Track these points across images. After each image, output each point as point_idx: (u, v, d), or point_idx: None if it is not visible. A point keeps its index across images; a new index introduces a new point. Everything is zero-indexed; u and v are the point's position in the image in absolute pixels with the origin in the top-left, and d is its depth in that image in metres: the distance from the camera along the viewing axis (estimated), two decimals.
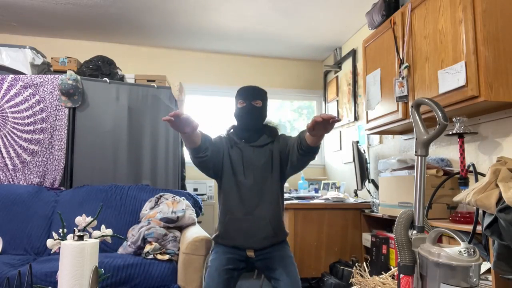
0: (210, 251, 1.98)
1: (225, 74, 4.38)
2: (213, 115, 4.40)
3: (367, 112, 2.75)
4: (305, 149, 1.67)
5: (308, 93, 4.60)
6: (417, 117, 1.06)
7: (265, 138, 1.92)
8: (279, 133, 1.98)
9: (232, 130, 1.98)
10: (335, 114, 1.34)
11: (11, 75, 2.94)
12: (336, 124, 4.09)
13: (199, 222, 2.70)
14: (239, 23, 3.61)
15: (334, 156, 4.19)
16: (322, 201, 2.94)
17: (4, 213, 2.56)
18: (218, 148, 1.88)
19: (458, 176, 1.92)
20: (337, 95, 4.12)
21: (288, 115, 4.66)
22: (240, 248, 1.84)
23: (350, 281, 1.63)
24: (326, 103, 4.43)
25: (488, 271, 1.49)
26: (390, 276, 1.52)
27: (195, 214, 2.61)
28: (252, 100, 1.89)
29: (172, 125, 1.51)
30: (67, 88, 2.88)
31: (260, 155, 1.88)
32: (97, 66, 3.18)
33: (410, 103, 2.20)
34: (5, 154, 2.86)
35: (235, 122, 1.98)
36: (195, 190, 3.88)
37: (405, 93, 2.26)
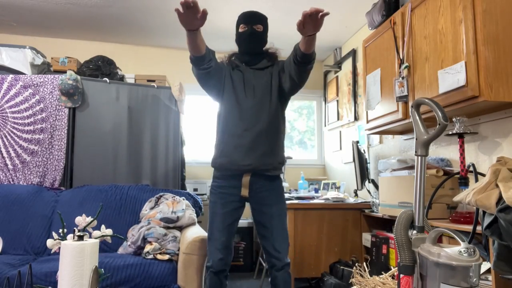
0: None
1: None
2: (213, 115, 4.40)
3: (367, 112, 2.75)
4: (300, 58, 1.72)
5: (308, 93, 4.59)
6: (417, 117, 1.06)
7: (266, 62, 1.98)
8: (279, 58, 2.03)
9: (233, 57, 2.03)
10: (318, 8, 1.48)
11: (11, 75, 2.94)
12: (336, 124, 4.08)
13: (199, 222, 2.70)
14: (235, 22, 3.60)
15: (334, 156, 4.19)
16: (322, 201, 2.94)
17: (4, 213, 2.56)
18: (220, 67, 1.93)
19: (458, 176, 1.92)
20: (337, 95, 4.12)
21: (288, 115, 4.66)
22: (237, 173, 1.87)
23: (350, 281, 1.63)
24: (326, 103, 4.43)
25: (488, 271, 1.49)
26: (390, 276, 1.52)
27: (195, 214, 2.61)
28: (254, 24, 1.94)
29: (181, 17, 1.54)
30: (67, 88, 2.88)
31: (261, 77, 1.93)
32: (97, 66, 3.18)
33: (410, 103, 2.20)
34: (5, 154, 2.86)
35: (236, 49, 2.04)
36: (195, 190, 3.88)
37: (405, 93, 2.26)
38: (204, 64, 1.79)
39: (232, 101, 1.90)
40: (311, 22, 1.52)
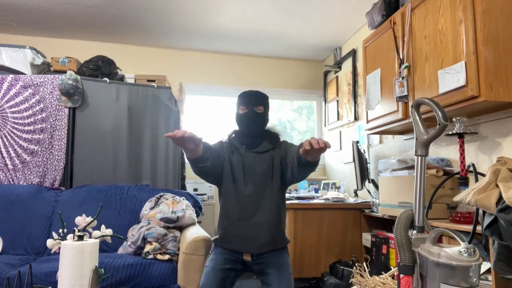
0: (210, 252, 1.98)
1: (225, 74, 4.38)
2: (213, 115, 4.40)
3: (367, 112, 2.75)
4: (304, 163, 1.66)
5: (308, 93, 4.60)
6: (417, 117, 1.06)
7: (267, 144, 1.91)
8: (281, 139, 1.97)
9: (233, 135, 1.97)
10: (327, 142, 1.36)
11: (11, 75, 2.94)
12: (336, 124, 4.09)
13: (199, 222, 2.70)
14: (239, 23, 3.61)
15: (334, 156, 4.19)
16: (322, 201, 2.94)
17: (4, 213, 2.56)
18: (218, 155, 1.86)
19: (458, 176, 1.92)
20: (337, 95, 4.12)
21: (288, 115, 4.66)
22: (238, 252, 1.84)
23: (350, 281, 1.63)
24: (326, 103, 4.43)
25: (488, 271, 1.49)
26: (390, 276, 1.52)
27: (195, 214, 2.61)
28: (254, 106, 1.87)
29: (174, 142, 1.51)
30: (67, 88, 2.88)
31: (261, 162, 1.87)
32: (97, 66, 3.18)
33: (410, 103, 2.20)
34: (5, 154, 2.86)
35: (236, 127, 1.96)
36: (195, 190, 3.87)
37: (405, 93, 2.26)
38: (200, 163, 1.73)
39: (230, 189, 1.86)
40: (315, 151, 1.48)
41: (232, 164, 1.87)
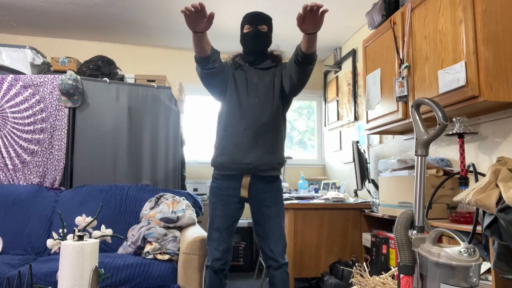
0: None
1: None
2: (213, 115, 4.40)
3: (367, 112, 2.75)
4: (301, 58, 1.73)
5: (308, 93, 4.59)
6: (417, 117, 1.06)
7: (269, 63, 1.98)
8: (284, 60, 2.03)
9: (237, 57, 2.04)
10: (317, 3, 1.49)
11: (11, 75, 2.94)
12: (336, 124, 4.08)
13: (199, 222, 2.70)
14: (239, 23, 3.60)
15: (334, 156, 4.19)
16: (322, 201, 2.94)
17: (4, 213, 2.56)
18: (224, 67, 1.93)
19: (458, 176, 1.92)
20: (337, 95, 4.12)
21: (288, 115, 4.66)
22: (237, 173, 1.87)
23: (350, 281, 1.63)
24: (326, 103, 4.43)
25: (488, 271, 1.49)
26: (390, 276, 1.52)
27: (195, 214, 2.61)
28: (258, 25, 1.95)
29: (188, 18, 1.55)
30: (67, 88, 2.88)
31: (263, 77, 1.94)
32: (97, 66, 3.18)
33: (410, 103, 2.20)
34: (5, 154, 2.86)
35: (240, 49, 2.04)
36: (195, 190, 3.88)
37: (405, 93, 2.26)
38: (208, 64, 1.80)
39: (234, 100, 1.91)
40: (311, 18, 1.53)
41: (236, 78, 1.94)
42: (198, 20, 1.58)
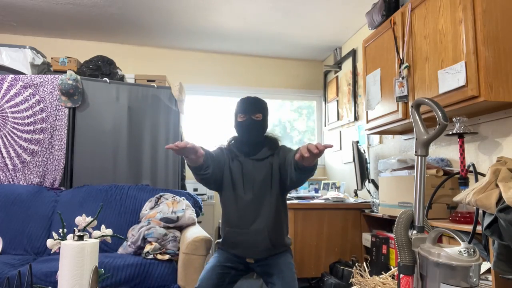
0: (211, 253, 1.99)
1: (225, 74, 4.38)
2: (213, 115, 4.40)
3: (367, 112, 2.75)
4: (301, 168, 1.66)
5: (308, 93, 4.60)
6: (417, 117, 1.06)
7: (266, 151, 1.90)
8: (280, 145, 1.97)
9: (233, 142, 1.97)
10: (327, 144, 1.35)
11: (11, 75, 2.94)
12: (336, 124, 4.09)
13: (199, 222, 2.70)
14: (239, 23, 3.61)
15: (334, 156, 4.19)
16: (322, 201, 2.94)
17: (4, 213, 2.56)
18: (219, 162, 1.86)
19: (458, 176, 1.92)
20: (337, 95, 4.12)
21: (288, 115, 4.66)
22: (240, 256, 1.86)
23: (350, 281, 1.63)
24: (326, 103, 4.43)
25: (488, 271, 1.49)
26: (390, 276, 1.52)
27: (195, 214, 2.61)
28: (253, 114, 1.85)
29: (176, 152, 1.51)
30: (67, 88, 2.88)
31: (260, 169, 1.86)
32: (97, 66, 3.18)
33: (410, 103, 2.20)
34: (5, 154, 2.86)
35: (235, 133, 1.96)
36: (195, 190, 3.87)
37: (405, 93, 2.26)
38: (201, 171, 1.73)
39: (230, 196, 1.86)
40: (311, 156, 1.47)
41: (232, 171, 1.87)
42: (188, 153, 1.55)
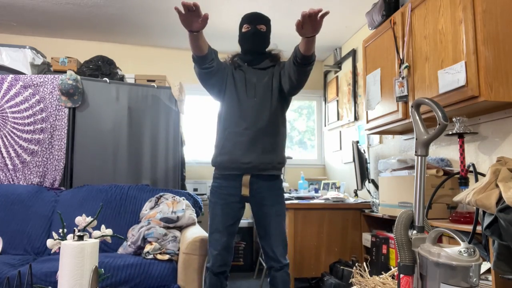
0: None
1: None
2: (213, 115, 4.40)
3: (367, 112, 2.75)
4: (299, 60, 1.73)
5: (308, 93, 4.59)
6: (417, 117, 1.06)
7: (268, 62, 1.99)
8: (282, 59, 2.04)
9: (236, 57, 2.04)
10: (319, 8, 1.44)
11: (11, 75, 2.94)
12: (336, 124, 4.08)
13: (199, 222, 2.70)
14: (239, 23, 3.60)
15: (334, 156, 4.19)
16: (322, 201, 2.94)
17: (4, 213, 2.56)
18: (222, 66, 1.94)
19: (458, 176, 1.92)
20: (337, 95, 4.12)
21: (288, 115, 4.66)
22: (237, 173, 1.87)
23: (350, 281, 1.63)
24: (326, 103, 4.43)
25: (488, 271, 1.49)
26: (390, 276, 1.52)
27: (195, 214, 2.61)
28: (257, 24, 1.96)
29: (182, 17, 1.56)
30: (67, 88, 2.88)
31: (262, 76, 1.95)
32: (97, 66, 3.18)
33: (410, 103, 2.20)
34: (5, 154, 2.86)
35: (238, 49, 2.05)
36: (195, 190, 3.88)
37: (405, 93, 2.26)
38: (206, 64, 1.80)
39: (233, 99, 1.92)
40: (310, 23, 1.53)
41: (235, 78, 1.95)
42: (193, 19, 1.59)
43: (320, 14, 1.49)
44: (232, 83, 1.94)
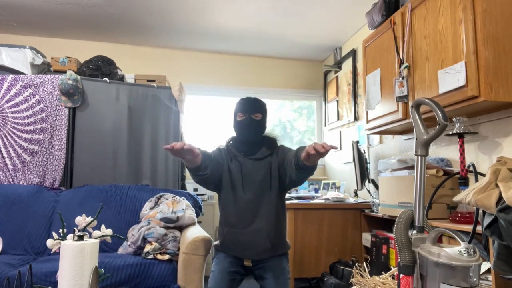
0: (212, 258, 2.00)
1: (225, 74, 4.38)
2: (213, 115, 4.40)
3: (367, 112, 2.75)
4: (302, 167, 1.66)
5: (308, 93, 4.60)
6: (417, 117, 1.06)
7: (264, 151, 1.90)
8: (279, 143, 1.97)
9: (231, 142, 1.97)
10: (333, 144, 1.36)
11: (11, 75, 2.94)
12: (336, 124, 4.09)
13: (199, 222, 2.70)
14: (239, 23, 3.61)
15: (334, 156, 4.19)
16: (322, 201, 2.94)
17: (4, 213, 2.56)
18: (218, 163, 1.86)
19: (458, 176, 1.92)
20: (337, 95, 4.12)
21: (288, 115, 4.66)
22: (238, 258, 1.86)
23: (350, 281, 1.63)
24: (326, 103, 4.43)
25: (488, 271, 1.49)
26: (390, 276, 1.52)
27: (195, 214, 2.61)
28: (252, 113, 1.86)
29: (172, 153, 1.51)
30: (67, 88, 2.88)
31: (259, 169, 1.87)
32: (97, 66, 3.18)
33: (410, 103, 2.20)
34: (5, 154, 2.86)
35: (234, 134, 1.97)
36: (195, 190, 3.87)
37: (405, 93, 2.26)
38: (200, 172, 1.73)
39: (229, 196, 1.86)
40: (317, 155, 1.48)
41: (231, 171, 1.88)
42: (184, 155, 1.55)
43: (329, 148, 1.44)
44: (228, 178, 1.86)
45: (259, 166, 1.87)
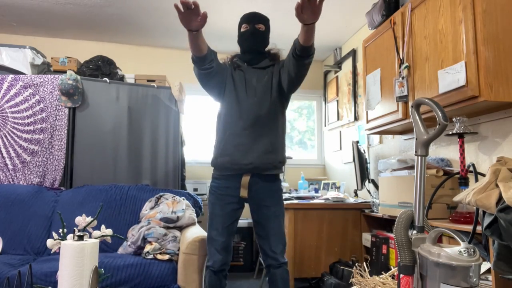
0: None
1: None
2: (213, 115, 4.40)
3: (367, 112, 2.75)
4: (299, 52, 1.72)
5: (308, 93, 4.59)
6: (417, 117, 1.06)
7: (267, 61, 2.00)
8: (281, 58, 2.04)
9: (235, 58, 2.04)
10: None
11: (11, 75, 2.94)
12: (336, 124, 4.09)
13: (199, 222, 2.70)
14: (238, 23, 3.60)
15: (334, 156, 4.19)
16: (322, 201, 2.94)
17: (4, 213, 2.56)
18: (222, 67, 1.94)
19: (458, 176, 1.92)
20: (337, 95, 4.12)
21: (288, 115, 4.66)
22: (237, 173, 1.87)
23: (350, 281, 1.63)
24: (326, 103, 4.43)
25: (488, 271, 1.49)
26: (390, 276, 1.52)
27: (195, 214, 2.61)
28: (256, 24, 1.97)
29: (181, 16, 1.56)
30: (67, 88, 2.88)
31: (262, 76, 1.95)
32: (97, 66, 3.18)
33: (410, 103, 2.20)
34: (5, 154, 2.86)
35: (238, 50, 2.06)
36: (195, 190, 3.88)
37: (405, 93, 2.26)
38: (205, 65, 1.80)
39: (232, 100, 1.92)
40: (310, 7, 1.52)
41: (234, 79, 1.95)
42: (192, 18, 1.59)
43: None
44: (232, 84, 1.94)
45: (262, 74, 1.96)
